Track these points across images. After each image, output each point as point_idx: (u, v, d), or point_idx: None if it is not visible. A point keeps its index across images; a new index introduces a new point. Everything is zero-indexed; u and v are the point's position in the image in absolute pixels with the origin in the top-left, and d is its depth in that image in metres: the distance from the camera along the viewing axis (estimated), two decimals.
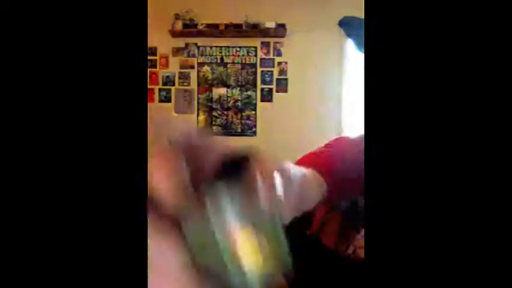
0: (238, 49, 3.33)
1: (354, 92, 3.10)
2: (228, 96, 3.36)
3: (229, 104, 3.37)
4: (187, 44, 3.35)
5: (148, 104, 3.28)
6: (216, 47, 3.33)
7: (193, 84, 3.37)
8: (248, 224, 0.27)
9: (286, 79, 3.32)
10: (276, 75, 3.34)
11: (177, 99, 3.38)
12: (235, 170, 0.28)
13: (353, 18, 3.10)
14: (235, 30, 3.20)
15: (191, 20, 3.24)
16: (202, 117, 3.39)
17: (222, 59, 3.35)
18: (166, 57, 3.36)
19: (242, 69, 3.34)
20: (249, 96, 3.36)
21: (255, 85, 3.35)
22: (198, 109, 3.38)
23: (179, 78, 3.37)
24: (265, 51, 3.33)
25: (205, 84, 3.37)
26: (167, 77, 3.37)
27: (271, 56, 3.33)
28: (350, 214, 0.82)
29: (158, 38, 3.28)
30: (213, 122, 3.38)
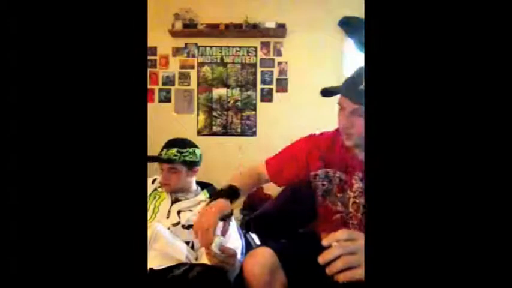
0: (238, 49, 3.33)
1: None
2: (228, 96, 3.36)
3: (229, 104, 3.37)
4: (187, 44, 3.35)
5: (148, 104, 3.27)
6: (216, 47, 3.33)
7: (193, 84, 3.37)
8: None
9: (286, 79, 3.32)
10: (276, 75, 3.33)
11: (177, 99, 3.37)
12: None
13: (353, 18, 3.10)
14: (235, 30, 3.20)
15: (191, 20, 3.24)
16: (202, 117, 3.38)
17: (222, 59, 3.34)
18: (166, 57, 3.36)
19: (242, 69, 3.34)
20: (249, 96, 3.35)
21: (255, 85, 3.34)
22: (198, 109, 3.38)
23: (179, 78, 3.37)
24: (265, 51, 3.32)
25: (205, 84, 3.36)
26: (167, 77, 3.37)
27: (271, 56, 3.33)
28: None
29: (158, 38, 3.27)
30: (213, 122, 3.38)
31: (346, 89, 1.06)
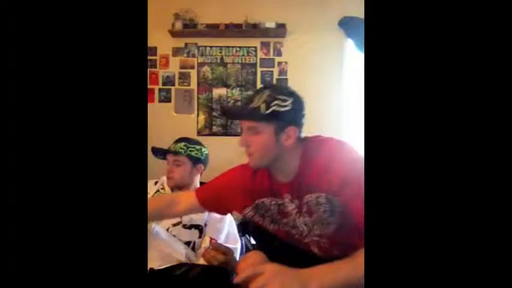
0: (238, 49, 3.33)
1: (353, 92, 3.10)
2: (228, 96, 3.36)
3: (230, 104, 3.36)
4: (187, 44, 3.34)
5: (148, 104, 3.27)
6: (216, 47, 3.33)
7: (193, 84, 3.37)
8: None
9: (286, 79, 3.32)
10: (276, 75, 3.33)
11: (177, 99, 3.37)
12: None
13: (353, 18, 3.10)
14: (235, 30, 3.19)
15: (191, 20, 3.24)
16: (202, 117, 3.38)
17: (222, 59, 3.34)
18: (167, 57, 3.36)
19: (242, 69, 3.34)
20: None
21: (255, 85, 3.34)
22: (198, 109, 3.38)
23: (179, 78, 3.36)
24: (265, 51, 3.32)
25: (205, 84, 3.36)
26: (167, 77, 3.36)
27: (271, 56, 3.32)
28: None
29: (158, 38, 3.27)
30: (213, 122, 3.38)
31: (241, 111, 1.12)
